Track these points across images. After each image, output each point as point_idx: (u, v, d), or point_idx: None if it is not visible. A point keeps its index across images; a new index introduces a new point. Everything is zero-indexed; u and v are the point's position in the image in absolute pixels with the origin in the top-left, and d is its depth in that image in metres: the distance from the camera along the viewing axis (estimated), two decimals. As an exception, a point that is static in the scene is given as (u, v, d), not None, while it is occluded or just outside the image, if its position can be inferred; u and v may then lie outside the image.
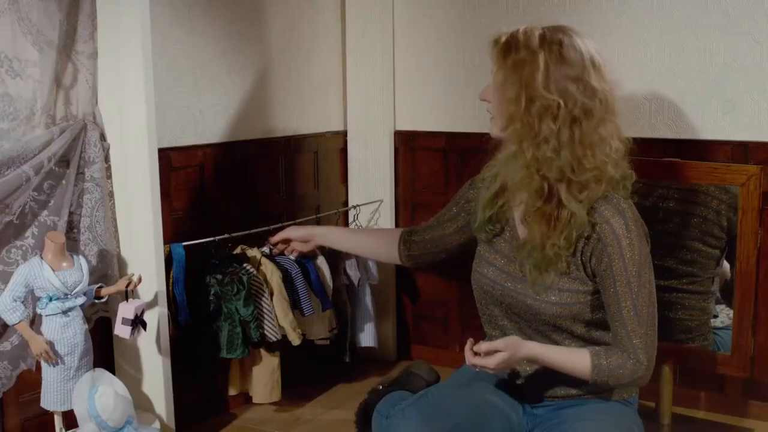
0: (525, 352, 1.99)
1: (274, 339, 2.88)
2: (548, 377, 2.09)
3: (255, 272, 2.87)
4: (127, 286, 2.48)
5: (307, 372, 3.36)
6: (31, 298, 2.38)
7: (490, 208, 2.12)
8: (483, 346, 1.97)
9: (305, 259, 3.00)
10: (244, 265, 2.86)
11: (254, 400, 3.00)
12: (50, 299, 2.34)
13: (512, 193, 2.06)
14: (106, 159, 2.57)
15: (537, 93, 1.92)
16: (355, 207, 3.40)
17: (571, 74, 1.93)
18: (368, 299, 3.29)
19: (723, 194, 2.61)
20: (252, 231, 2.99)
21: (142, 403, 2.65)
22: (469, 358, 1.98)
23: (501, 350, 1.95)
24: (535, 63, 1.92)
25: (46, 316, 2.35)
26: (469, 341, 1.99)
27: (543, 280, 2.02)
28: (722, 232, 2.64)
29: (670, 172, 2.60)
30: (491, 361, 1.95)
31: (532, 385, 2.12)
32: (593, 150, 1.95)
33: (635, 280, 1.95)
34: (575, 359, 2.00)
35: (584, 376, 2.00)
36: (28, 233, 2.42)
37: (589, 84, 1.94)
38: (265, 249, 3.01)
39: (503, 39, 1.98)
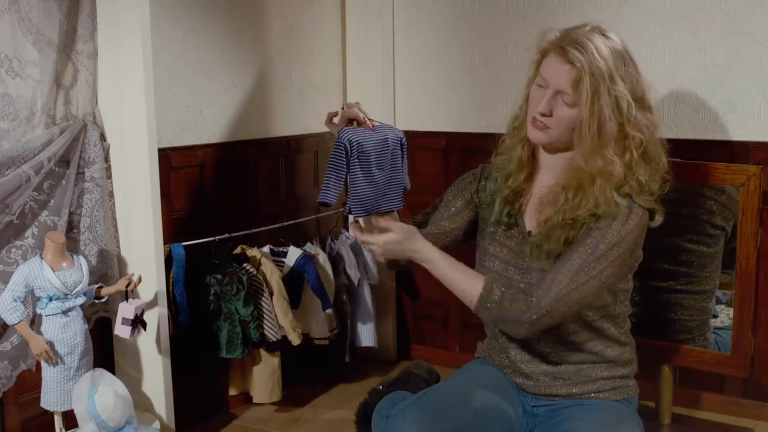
0: (419, 246, 1.95)
1: (274, 339, 2.89)
2: (549, 376, 2.09)
3: (255, 272, 2.87)
4: (127, 286, 2.48)
5: (307, 372, 3.36)
6: (31, 298, 2.39)
7: (508, 205, 2.10)
8: (381, 222, 1.93)
9: (305, 259, 3.00)
10: (244, 264, 2.86)
11: (254, 400, 3.00)
12: (50, 299, 2.34)
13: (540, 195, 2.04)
14: (106, 159, 2.58)
15: (614, 124, 1.92)
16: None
17: (637, 94, 1.95)
18: (368, 299, 3.29)
19: (718, 195, 2.59)
20: (252, 231, 2.99)
21: (142, 403, 2.65)
22: (359, 236, 1.95)
23: (394, 232, 1.93)
24: (611, 93, 1.91)
25: (46, 316, 2.35)
26: (356, 222, 1.96)
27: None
28: (716, 229, 2.62)
29: (670, 172, 2.60)
30: (380, 239, 1.92)
31: (533, 385, 2.12)
32: (650, 164, 2.00)
33: (602, 249, 1.90)
34: (469, 280, 1.93)
35: (469, 303, 1.94)
36: (28, 233, 2.42)
37: (646, 99, 1.97)
38: (265, 249, 3.01)
39: (575, 61, 1.91)
